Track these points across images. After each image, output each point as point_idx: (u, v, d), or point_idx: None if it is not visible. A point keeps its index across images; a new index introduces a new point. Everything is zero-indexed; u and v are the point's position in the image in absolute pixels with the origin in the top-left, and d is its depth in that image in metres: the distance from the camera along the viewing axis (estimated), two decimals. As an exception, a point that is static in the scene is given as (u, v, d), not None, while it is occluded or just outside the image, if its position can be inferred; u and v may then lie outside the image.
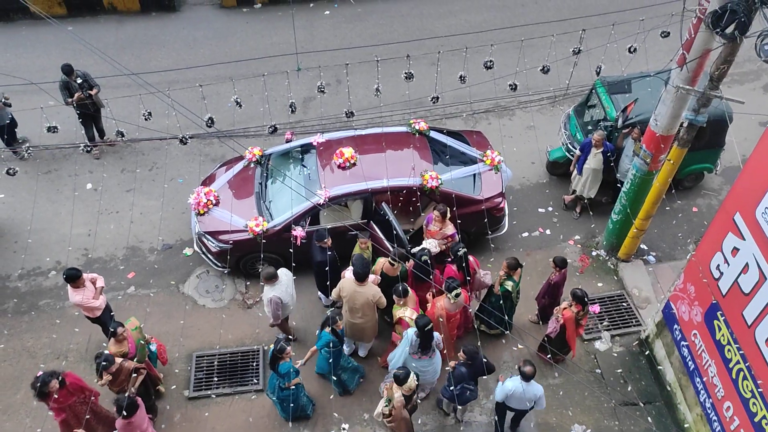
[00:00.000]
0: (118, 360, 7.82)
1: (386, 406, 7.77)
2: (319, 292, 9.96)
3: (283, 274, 8.71)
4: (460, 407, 8.51)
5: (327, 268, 8.57)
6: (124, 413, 7.31)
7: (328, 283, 8.56)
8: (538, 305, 9.66)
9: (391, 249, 9.15)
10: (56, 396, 7.40)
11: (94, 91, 11.24)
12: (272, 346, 7.89)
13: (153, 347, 8.73)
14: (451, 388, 8.02)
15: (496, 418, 8.34)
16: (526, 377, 7.66)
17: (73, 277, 8.37)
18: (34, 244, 10.72)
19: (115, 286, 10.25)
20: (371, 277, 8.62)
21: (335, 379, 8.78)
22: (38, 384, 7.31)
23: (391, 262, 8.79)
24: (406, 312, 8.44)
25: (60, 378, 7.43)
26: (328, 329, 8.15)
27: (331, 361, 8.35)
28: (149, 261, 10.70)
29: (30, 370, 9.22)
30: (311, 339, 9.57)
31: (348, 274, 8.62)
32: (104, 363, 7.61)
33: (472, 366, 7.89)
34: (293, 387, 8.13)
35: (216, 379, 9.18)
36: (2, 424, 8.76)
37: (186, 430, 8.73)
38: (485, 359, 8.06)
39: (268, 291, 8.62)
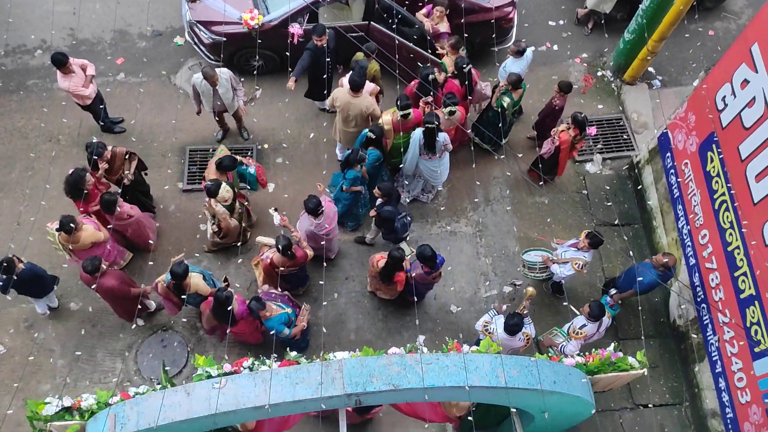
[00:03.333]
0: (110, 147, 7.82)
1: (213, 224, 7.97)
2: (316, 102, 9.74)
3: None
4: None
5: (324, 76, 8.27)
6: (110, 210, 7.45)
7: (325, 92, 8.29)
8: (537, 128, 9.51)
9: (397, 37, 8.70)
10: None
11: None
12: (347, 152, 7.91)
13: (252, 170, 8.29)
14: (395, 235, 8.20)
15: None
16: (520, 52, 8.94)
17: (60, 62, 8.06)
18: (17, 19, 10.17)
19: (104, 72, 9.92)
20: (368, 86, 8.36)
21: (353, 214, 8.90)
22: (91, 150, 7.52)
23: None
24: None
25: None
26: (372, 147, 8.10)
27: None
28: (139, 48, 10.26)
29: (22, 151, 9.27)
30: (305, 141, 9.57)
31: (344, 81, 8.33)
32: (97, 151, 7.58)
33: (391, 199, 7.94)
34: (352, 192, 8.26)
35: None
36: (0, 201, 8.97)
37: (180, 220, 8.99)
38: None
39: (197, 78, 8.38)
